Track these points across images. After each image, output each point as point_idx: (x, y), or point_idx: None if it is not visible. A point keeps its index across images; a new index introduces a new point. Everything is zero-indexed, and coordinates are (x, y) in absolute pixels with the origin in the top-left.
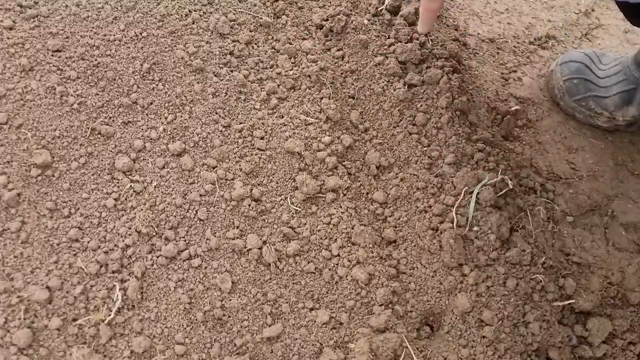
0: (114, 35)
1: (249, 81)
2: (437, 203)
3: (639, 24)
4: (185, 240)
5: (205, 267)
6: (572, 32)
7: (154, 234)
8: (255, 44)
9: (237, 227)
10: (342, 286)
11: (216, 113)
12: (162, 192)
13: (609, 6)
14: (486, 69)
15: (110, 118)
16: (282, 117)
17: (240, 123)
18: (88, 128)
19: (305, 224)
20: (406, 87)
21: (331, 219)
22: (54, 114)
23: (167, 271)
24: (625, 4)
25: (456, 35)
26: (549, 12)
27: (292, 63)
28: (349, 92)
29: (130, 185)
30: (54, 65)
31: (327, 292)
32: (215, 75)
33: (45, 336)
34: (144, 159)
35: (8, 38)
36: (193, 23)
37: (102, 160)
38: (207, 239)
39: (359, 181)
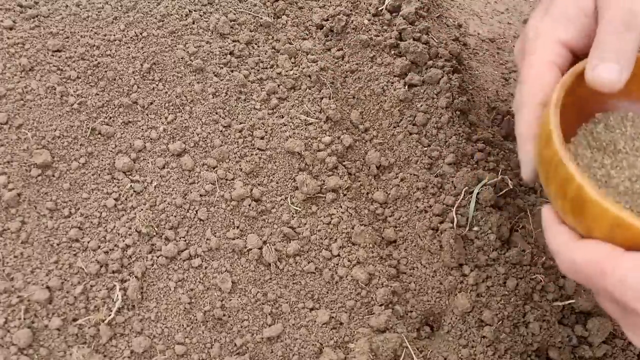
0: (114, 35)
1: (249, 81)
2: (437, 203)
3: None
4: (185, 240)
5: (206, 267)
6: None
7: (154, 234)
8: (256, 44)
9: (237, 227)
10: (342, 286)
11: (216, 113)
12: (162, 192)
13: None
14: (486, 69)
15: (110, 118)
16: (282, 117)
17: (241, 123)
18: (88, 128)
19: (305, 224)
20: (406, 87)
21: (331, 219)
22: (54, 114)
23: (167, 271)
24: None
25: (456, 35)
26: None
27: (293, 63)
28: (349, 92)
29: (131, 185)
30: (54, 65)
31: (327, 292)
32: (215, 75)
33: (45, 336)
34: (144, 159)
35: (8, 38)
36: (193, 23)
37: (102, 160)
38: (207, 239)
39: (359, 181)
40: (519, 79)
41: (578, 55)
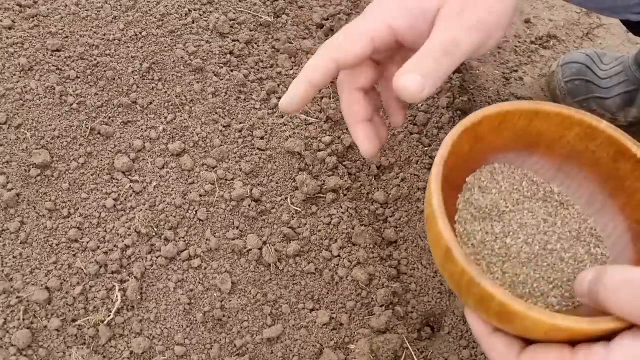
0: (113, 35)
1: (248, 80)
2: None
3: None
4: (184, 241)
5: (205, 268)
6: (573, 32)
7: (154, 234)
8: (255, 43)
9: (237, 228)
10: (343, 287)
11: (216, 112)
12: (161, 192)
13: None
14: (487, 69)
15: (109, 118)
16: (282, 117)
17: (240, 123)
18: (87, 128)
19: (305, 224)
20: None
21: (331, 219)
22: (53, 113)
23: (167, 271)
24: (626, 21)
25: None
26: (550, 11)
27: (292, 62)
28: None
29: (130, 185)
30: (53, 65)
31: (327, 293)
32: (214, 75)
33: (44, 337)
34: (143, 159)
35: (7, 37)
36: (192, 22)
37: (101, 160)
38: (206, 239)
39: (359, 181)
40: (337, 36)
41: (404, 46)
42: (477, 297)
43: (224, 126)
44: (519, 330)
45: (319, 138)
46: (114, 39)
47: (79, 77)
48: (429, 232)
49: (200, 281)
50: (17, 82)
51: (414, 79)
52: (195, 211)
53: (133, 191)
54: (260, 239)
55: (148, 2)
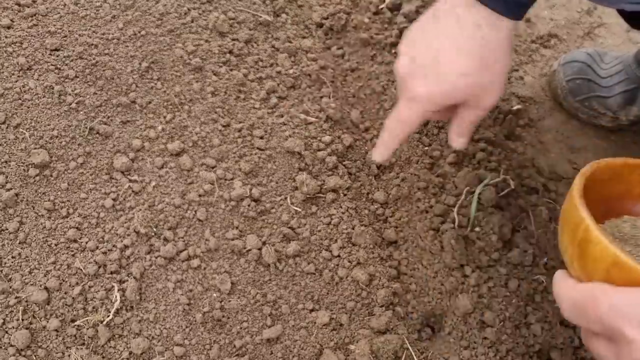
0: (113, 34)
1: (248, 80)
2: (438, 203)
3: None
4: (184, 241)
5: (205, 268)
6: (574, 31)
7: (153, 234)
8: (255, 43)
9: (237, 228)
10: (343, 287)
11: (215, 112)
12: (160, 192)
13: None
14: None
15: (108, 117)
16: (282, 117)
17: (240, 122)
18: (86, 127)
19: (305, 224)
20: None
21: (331, 219)
22: (52, 113)
23: (166, 272)
24: (622, 11)
25: None
26: (550, 10)
27: (292, 62)
28: (349, 91)
29: (129, 185)
30: (52, 64)
31: (328, 293)
32: (214, 74)
33: (43, 337)
34: (142, 159)
35: (6, 37)
36: (192, 21)
37: (100, 160)
38: (206, 240)
39: (360, 181)
40: None
41: None
42: (573, 224)
43: (223, 126)
44: (589, 265)
45: (319, 138)
46: (113, 39)
47: (78, 77)
48: (564, 213)
49: (200, 281)
50: (16, 81)
51: (464, 143)
52: (195, 211)
53: (132, 191)
54: (260, 239)
55: (147, 1)
